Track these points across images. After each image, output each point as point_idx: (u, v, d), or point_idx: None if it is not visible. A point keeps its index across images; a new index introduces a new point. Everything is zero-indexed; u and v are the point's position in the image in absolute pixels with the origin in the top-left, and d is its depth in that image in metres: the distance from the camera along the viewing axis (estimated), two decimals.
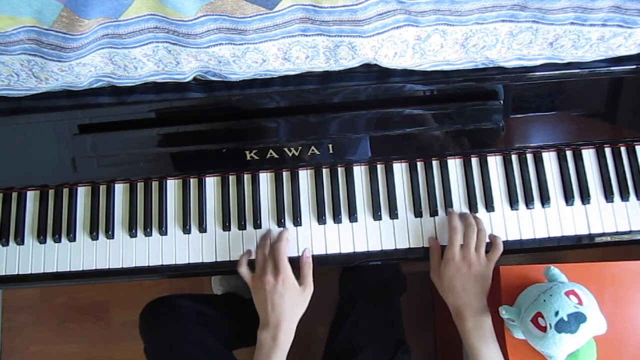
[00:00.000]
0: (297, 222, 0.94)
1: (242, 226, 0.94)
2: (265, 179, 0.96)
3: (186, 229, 0.94)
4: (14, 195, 0.97)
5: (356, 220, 0.94)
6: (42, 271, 0.94)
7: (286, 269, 0.85)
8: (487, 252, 0.89)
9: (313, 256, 0.91)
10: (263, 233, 0.94)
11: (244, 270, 0.88)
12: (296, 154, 0.92)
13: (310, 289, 0.87)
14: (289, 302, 0.84)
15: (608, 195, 0.93)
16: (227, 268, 0.94)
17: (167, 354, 0.99)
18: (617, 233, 0.92)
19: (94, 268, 0.94)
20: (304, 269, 0.88)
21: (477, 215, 0.93)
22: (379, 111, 0.89)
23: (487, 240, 0.90)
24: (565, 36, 0.78)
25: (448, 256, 0.87)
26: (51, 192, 0.97)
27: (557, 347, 0.78)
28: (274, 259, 0.87)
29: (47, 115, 0.89)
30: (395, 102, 0.90)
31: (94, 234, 0.94)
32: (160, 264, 0.94)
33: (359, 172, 0.96)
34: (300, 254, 0.92)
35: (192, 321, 1.00)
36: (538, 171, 0.95)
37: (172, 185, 0.97)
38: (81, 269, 0.94)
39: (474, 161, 0.96)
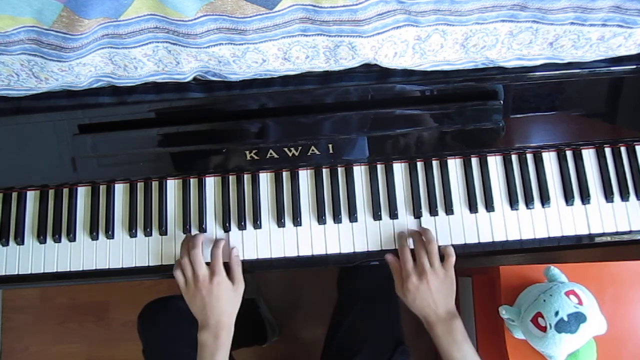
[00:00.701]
0: (297, 222, 0.94)
1: (242, 226, 0.94)
2: (265, 179, 0.96)
3: (186, 229, 0.94)
4: (14, 195, 0.97)
5: (356, 220, 0.94)
6: (42, 271, 0.94)
7: (221, 271, 0.87)
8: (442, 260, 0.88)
9: (314, 256, 0.91)
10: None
11: (178, 274, 0.88)
12: (296, 154, 0.92)
13: (242, 285, 0.89)
14: (226, 301, 0.86)
15: (608, 195, 0.93)
16: (227, 268, 0.94)
17: (165, 355, 0.99)
18: (617, 233, 0.92)
19: (94, 268, 0.94)
20: (234, 267, 0.90)
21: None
22: (379, 111, 0.89)
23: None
24: (565, 36, 0.78)
25: (405, 275, 0.87)
26: (51, 192, 0.97)
27: (557, 347, 0.78)
28: (197, 262, 0.87)
29: (47, 115, 0.89)
30: (395, 102, 0.90)
31: (94, 234, 0.94)
32: (160, 264, 0.94)
33: (359, 172, 0.96)
34: (298, 254, 0.92)
35: (190, 322, 1.00)
36: (538, 171, 0.95)
37: (172, 185, 0.97)
38: (81, 269, 0.94)
39: (474, 161, 0.96)
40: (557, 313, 0.77)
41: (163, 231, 0.94)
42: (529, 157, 0.95)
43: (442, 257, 0.88)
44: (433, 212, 0.94)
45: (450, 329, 0.84)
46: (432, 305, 0.85)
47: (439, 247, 0.89)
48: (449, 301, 0.86)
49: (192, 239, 0.90)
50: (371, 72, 0.87)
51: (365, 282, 1.11)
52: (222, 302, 0.85)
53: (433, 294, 0.85)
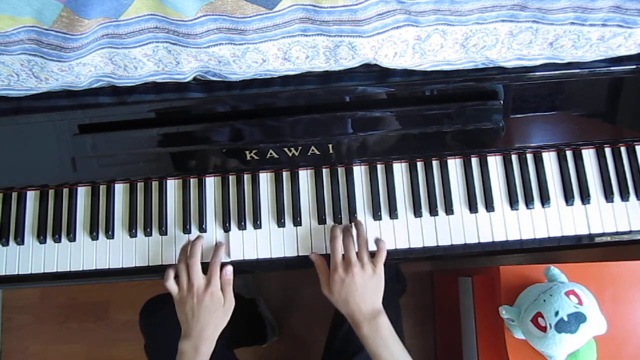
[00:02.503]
0: (297, 222, 0.94)
1: (242, 226, 0.94)
2: (265, 179, 0.96)
3: (186, 229, 0.94)
4: (14, 195, 0.97)
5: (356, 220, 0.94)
6: (42, 271, 0.94)
7: (217, 283, 0.86)
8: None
9: (315, 255, 0.91)
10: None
11: (171, 284, 0.87)
12: (296, 154, 0.92)
13: (232, 303, 0.88)
14: (215, 315, 0.85)
15: (608, 195, 0.93)
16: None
17: (167, 350, 0.99)
18: (617, 233, 0.92)
19: (94, 268, 0.94)
20: (225, 287, 0.88)
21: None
22: (379, 111, 0.89)
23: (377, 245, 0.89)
24: (565, 36, 0.78)
25: (331, 269, 0.86)
26: (51, 192, 0.97)
27: (557, 347, 0.78)
28: (193, 271, 0.86)
29: (47, 115, 0.89)
30: (395, 102, 0.90)
31: (94, 234, 0.94)
32: (160, 264, 0.94)
33: (359, 172, 0.96)
34: (298, 254, 0.92)
35: None
36: (538, 171, 0.95)
37: (172, 185, 0.97)
38: (81, 269, 0.94)
39: (474, 161, 0.96)
40: (557, 313, 0.77)
41: (163, 231, 0.94)
42: (529, 157, 0.96)
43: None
44: (433, 212, 0.94)
45: (376, 326, 0.82)
46: (357, 301, 0.83)
47: (375, 239, 0.88)
48: (375, 299, 0.84)
49: (191, 246, 0.89)
50: (371, 72, 0.87)
51: None
52: (210, 315, 0.85)
53: (359, 288, 0.83)
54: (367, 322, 0.83)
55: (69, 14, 0.66)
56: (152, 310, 1.07)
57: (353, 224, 0.91)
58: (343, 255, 0.86)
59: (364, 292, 0.83)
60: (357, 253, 0.86)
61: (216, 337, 0.86)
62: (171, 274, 0.88)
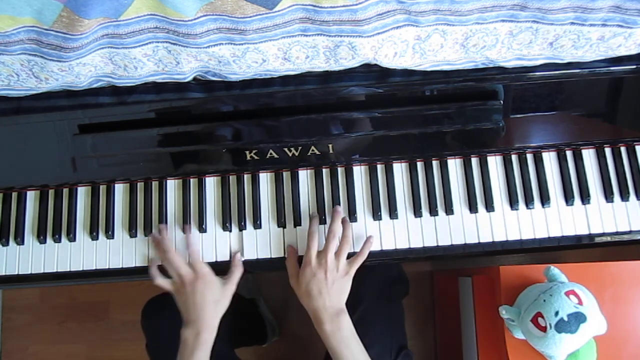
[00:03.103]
0: (297, 222, 0.94)
1: (242, 226, 0.94)
2: (265, 179, 0.96)
3: (186, 229, 0.94)
4: (14, 195, 0.97)
5: (356, 220, 0.94)
6: (42, 271, 0.94)
7: (203, 267, 0.88)
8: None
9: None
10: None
11: (160, 280, 0.88)
12: (296, 154, 0.92)
13: (232, 286, 0.89)
14: (211, 299, 0.86)
15: (608, 195, 0.93)
16: (227, 268, 0.94)
17: (168, 350, 0.99)
18: (617, 233, 0.92)
19: (94, 268, 0.94)
20: (234, 269, 0.90)
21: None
22: (379, 111, 0.89)
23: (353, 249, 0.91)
24: (565, 36, 0.78)
25: (305, 260, 0.87)
26: (51, 192, 0.97)
27: (557, 347, 0.78)
28: (179, 263, 0.88)
29: (47, 115, 0.89)
30: (395, 102, 0.90)
31: (94, 234, 0.94)
32: (160, 263, 0.93)
33: (359, 172, 0.96)
34: (298, 254, 0.92)
35: None
36: (538, 171, 0.95)
37: (172, 185, 0.97)
38: (81, 269, 0.94)
39: (474, 161, 0.96)
40: (557, 313, 0.77)
41: None
42: (529, 157, 0.95)
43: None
44: (433, 212, 0.94)
45: (339, 325, 0.83)
46: (324, 297, 0.84)
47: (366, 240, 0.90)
48: (341, 298, 0.86)
49: (162, 243, 0.90)
50: (371, 72, 0.87)
51: (370, 284, 1.11)
52: (206, 301, 0.85)
53: (328, 285, 0.84)
54: (330, 320, 0.84)
55: (69, 14, 0.66)
56: (153, 310, 1.07)
57: (344, 221, 0.91)
58: (319, 252, 0.87)
59: (331, 289, 0.84)
60: (336, 253, 0.87)
61: (216, 323, 0.86)
62: (154, 272, 0.89)
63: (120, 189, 0.97)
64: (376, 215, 0.93)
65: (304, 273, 0.86)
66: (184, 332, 0.85)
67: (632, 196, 0.93)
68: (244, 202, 0.95)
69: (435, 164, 0.96)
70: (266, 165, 0.94)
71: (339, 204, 0.94)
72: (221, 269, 0.94)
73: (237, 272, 0.90)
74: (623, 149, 0.95)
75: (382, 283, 1.10)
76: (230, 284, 0.89)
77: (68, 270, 0.94)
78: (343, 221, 0.92)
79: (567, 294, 0.79)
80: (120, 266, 0.94)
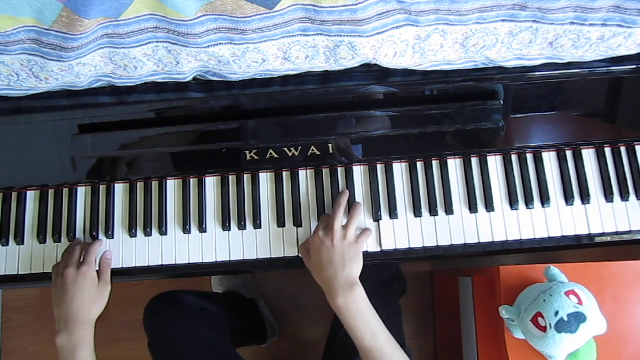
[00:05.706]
0: (297, 222, 0.94)
1: (242, 226, 0.94)
2: (265, 179, 0.96)
3: (186, 229, 0.94)
4: (14, 195, 0.97)
5: None
6: (42, 271, 0.94)
7: (91, 263, 0.87)
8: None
9: None
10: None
11: (53, 272, 0.89)
12: (296, 154, 0.92)
13: (108, 286, 0.89)
14: (88, 296, 0.85)
15: (608, 195, 0.93)
16: (227, 268, 0.94)
17: (171, 349, 0.99)
18: (617, 233, 0.92)
19: None
20: (104, 268, 0.90)
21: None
22: (379, 111, 0.89)
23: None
24: (565, 36, 0.78)
25: (314, 232, 0.88)
26: (51, 192, 0.97)
27: (557, 347, 0.78)
28: (78, 254, 0.89)
29: (47, 115, 0.89)
30: (395, 102, 0.90)
31: (94, 234, 0.94)
32: (160, 264, 0.94)
33: (359, 172, 0.96)
34: (298, 254, 0.92)
35: (195, 317, 1.00)
36: (538, 171, 0.95)
37: (172, 185, 0.97)
38: None
39: (474, 161, 0.96)
40: (557, 313, 0.77)
41: (163, 231, 0.94)
42: (529, 157, 0.95)
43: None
44: (433, 212, 0.94)
45: (353, 297, 0.80)
46: (335, 266, 0.82)
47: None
48: (353, 267, 0.83)
49: (70, 248, 0.91)
50: (371, 72, 0.87)
51: (367, 284, 1.11)
52: (84, 295, 0.85)
53: (336, 252, 0.83)
54: (342, 291, 0.80)
55: (69, 14, 0.66)
56: (156, 309, 1.07)
57: (356, 203, 0.92)
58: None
59: (340, 257, 0.83)
60: (344, 226, 0.87)
61: (91, 320, 0.85)
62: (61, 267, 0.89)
63: (120, 189, 0.97)
64: (376, 215, 0.93)
65: (313, 243, 0.85)
66: (57, 341, 0.82)
67: (632, 196, 0.93)
68: (244, 202, 0.95)
69: (435, 163, 0.96)
70: (266, 165, 0.94)
71: None
72: (221, 269, 0.94)
73: (108, 269, 0.90)
74: (623, 149, 0.95)
75: (379, 282, 1.10)
76: (106, 283, 0.89)
77: None
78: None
79: (567, 294, 0.79)
80: (121, 266, 0.94)
